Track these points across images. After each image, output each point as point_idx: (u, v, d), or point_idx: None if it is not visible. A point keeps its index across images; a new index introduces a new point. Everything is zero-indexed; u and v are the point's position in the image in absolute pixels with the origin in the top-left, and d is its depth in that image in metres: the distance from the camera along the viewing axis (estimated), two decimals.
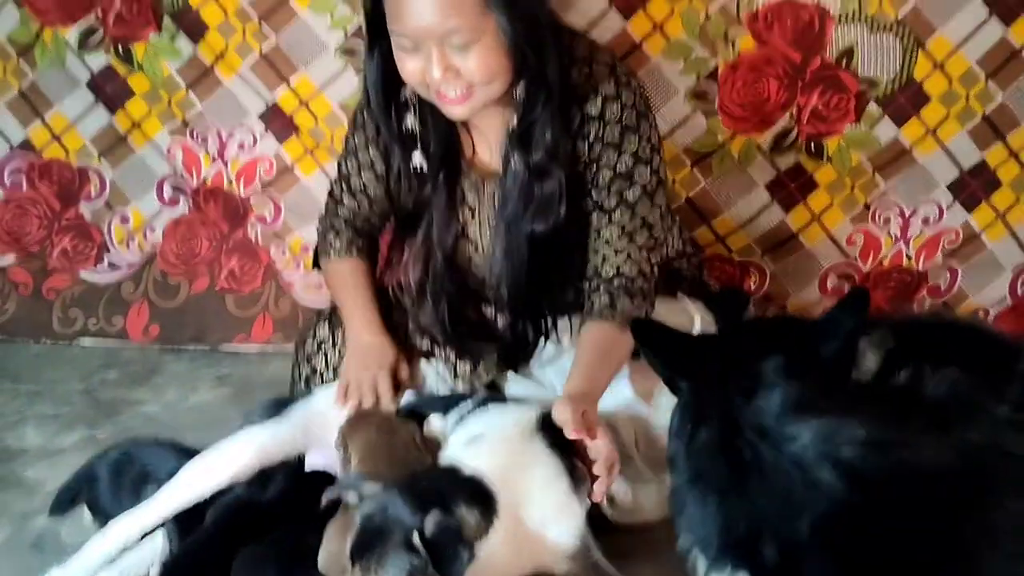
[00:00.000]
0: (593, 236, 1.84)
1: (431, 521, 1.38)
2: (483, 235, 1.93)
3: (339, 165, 2.02)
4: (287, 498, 1.70)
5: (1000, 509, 1.14)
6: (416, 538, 1.38)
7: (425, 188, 1.87)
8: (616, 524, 1.73)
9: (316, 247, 2.09)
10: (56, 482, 1.88)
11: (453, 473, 1.51)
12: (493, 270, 1.92)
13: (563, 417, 1.56)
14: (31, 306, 2.65)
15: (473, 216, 1.92)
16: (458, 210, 1.91)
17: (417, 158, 1.85)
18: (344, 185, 2.00)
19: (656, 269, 1.87)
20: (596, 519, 1.63)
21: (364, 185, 1.97)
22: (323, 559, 1.55)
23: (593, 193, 1.82)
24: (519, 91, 1.75)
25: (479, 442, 1.58)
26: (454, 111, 1.75)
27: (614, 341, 1.77)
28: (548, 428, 1.62)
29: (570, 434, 1.54)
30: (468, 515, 1.44)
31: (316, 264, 2.11)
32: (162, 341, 2.61)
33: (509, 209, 1.83)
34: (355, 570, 1.39)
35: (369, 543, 1.40)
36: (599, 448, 1.54)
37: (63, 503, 1.83)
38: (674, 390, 1.44)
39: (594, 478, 1.56)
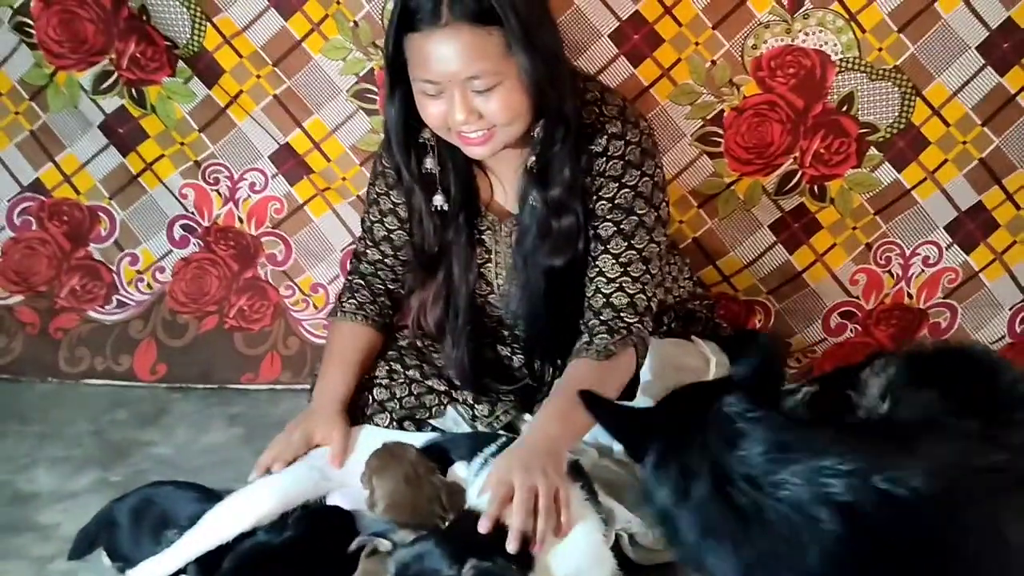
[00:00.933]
0: (589, 268, 1.86)
1: (469, 570, 1.40)
2: (498, 275, 1.96)
3: (362, 221, 2.06)
4: (303, 539, 1.70)
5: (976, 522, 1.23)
6: None
7: (448, 230, 1.90)
8: (639, 564, 1.75)
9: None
10: (71, 525, 1.89)
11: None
12: (510, 307, 1.95)
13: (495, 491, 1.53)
14: (38, 346, 2.64)
15: (489, 257, 1.96)
16: (476, 250, 1.94)
17: (439, 199, 1.88)
18: (367, 238, 2.03)
19: (654, 306, 1.87)
20: (619, 560, 1.65)
21: (387, 231, 1.99)
22: None
23: (592, 221, 1.84)
24: (538, 129, 1.79)
25: None
26: (475, 151, 1.79)
27: (591, 377, 1.71)
28: (578, 472, 1.65)
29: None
30: (505, 569, 1.45)
31: None
32: (169, 380, 2.62)
33: (526, 245, 1.86)
34: None
35: None
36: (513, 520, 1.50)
37: (82, 547, 1.83)
38: (639, 457, 1.46)
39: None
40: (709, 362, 2.03)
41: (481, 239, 1.94)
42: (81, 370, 2.64)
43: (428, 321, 1.98)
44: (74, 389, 2.61)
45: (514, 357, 2.07)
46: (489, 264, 1.96)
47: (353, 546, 1.62)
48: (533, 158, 1.81)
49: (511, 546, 1.45)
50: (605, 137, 1.82)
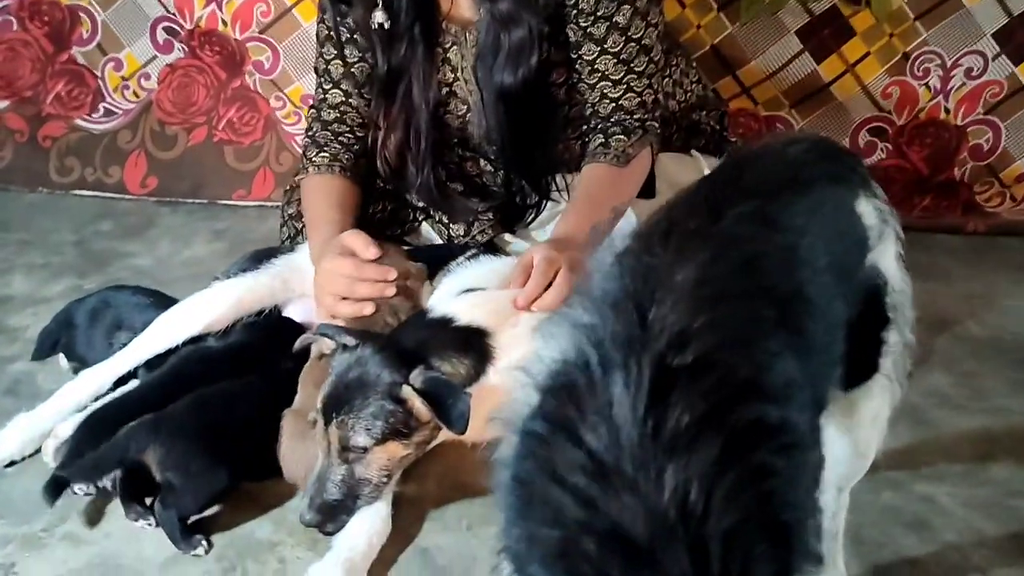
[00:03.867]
0: (587, 72, 1.70)
1: (418, 377, 1.30)
2: (471, 93, 1.78)
3: (315, 69, 1.86)
4: (247, 344, 1.64)
5: None
6: (405, 391, 1.30)
7: (398, 47, 1.72)
8: None
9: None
10: (38, 330, 1.83)
11: (445, 325, 1.40)
12: (479, 123, 1.79)
13: (524, 259, 1.47)
14: (27, 154, 2.57)
15: (456, 75, 1.77)
16: (440, 67, 1.76)
17: (379, 16, 1.69)
18: (325, 80, 1.84)
19: (661, 97, 1.74)
20: None
21: (346, 66, 1.80)
22: (299, 403, 1.50)
23: (580, 21, 1.67)
24: None
25: (474, 293, 1.47)
26: None
27: (609, 182, 1.66)
28: None
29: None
30: (459, 366, 1.36)
31: None
32: (159, 193, 2.54)
33: (485, 61, 1.69)
34: (329, 427, 1.32)
35: (344, 397, 1.32)
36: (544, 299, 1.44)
37: (44, 349, 1.78)
38: None
39: None
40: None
41: (447, 57, 1.76)
42: (71, 180, 2.57)
43: (390, 149, 1.80)
44: (63, 200, 2.54)
45: (497, 175, 1.91)
46: (458, 82, 1.78)
47: (298, 345, 1.53)
48: None
49: (520, 302, 1.42)
50: None
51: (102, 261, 2.24)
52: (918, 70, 2.22)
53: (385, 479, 1.35)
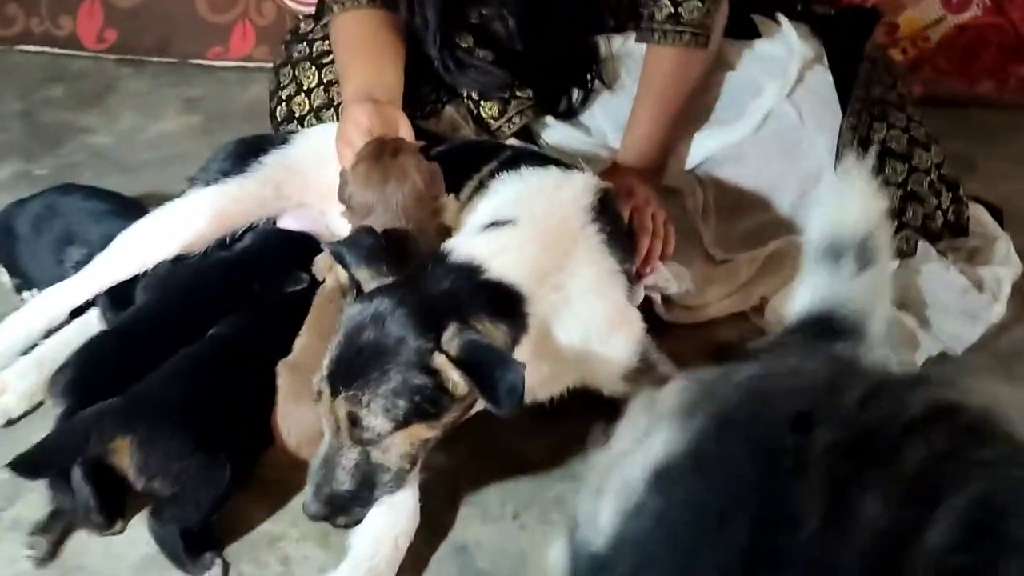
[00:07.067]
0: None
1: (454, 341, 0.99)
2: None
3: None
4: (261, 251, 1.35)
5: None
6: (438, 359, 1.00)
7: None
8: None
9: None
10: None
11: (472, 275, 1.07)
12: None
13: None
14: None
15: None
16: None
17: None
18: None
19: None
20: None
21: None
22: (297, 353, 1.20)
23: None
24: None
25: (507, 228, 1.13)
26: None
27: (683, 71, 1.43)
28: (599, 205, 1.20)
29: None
30: (494, 331, 1.04)
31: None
32: (120, 50, 2.18)
33: None
34: (337, 399, 1.02)
35: (357, 365, 1.01)
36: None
37: None
38: None
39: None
40: (792, 51, 1.50)
41: None
42: (13, 33, 2.19)
43: None
44: (5, 58, 2.16)
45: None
46: None
47: (317, 265, 1.26)
48: None
49: (646, 265, 1.27)
50: None
51: (53, 138, 1.88)
52: None
53: (408, 465, 1.06)
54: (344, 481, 1.04)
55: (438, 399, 1.02)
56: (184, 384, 1.11)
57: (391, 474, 1.05)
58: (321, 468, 1.05)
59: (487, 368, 1.00)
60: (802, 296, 0.85)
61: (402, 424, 1.02)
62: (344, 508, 1.06)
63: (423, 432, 1.05)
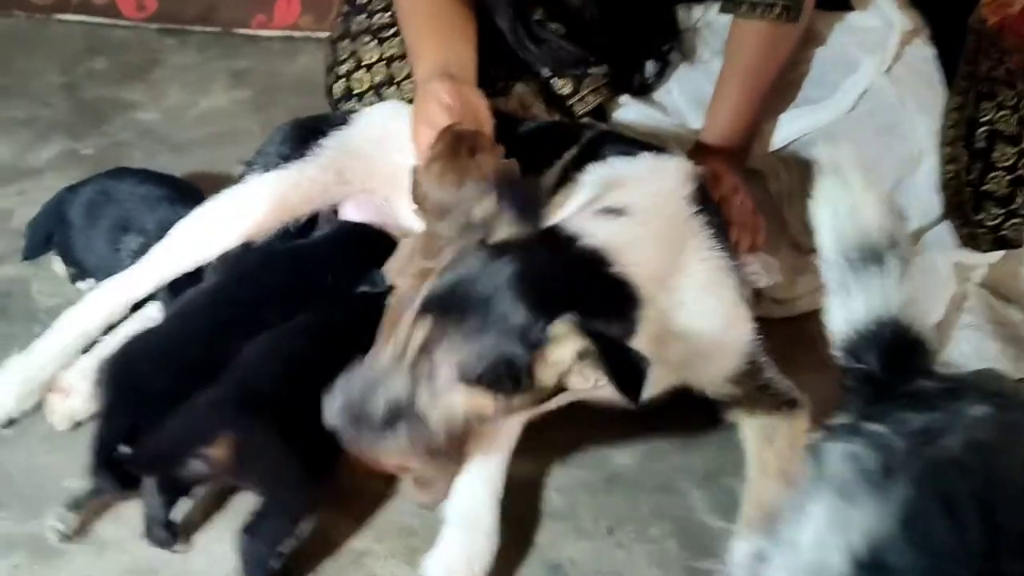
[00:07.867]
0: None
1: (565, 325, 0.89)
2: None
3: None
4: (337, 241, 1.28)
5: None
6: (559, 327, 0.90)
7: None
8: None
9: None
10: (25, 214, 1.45)
11: (594, 265, 0.98)
12: None
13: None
14: None
15: None
16: None
17: None
18: None
19: None
20: None
21: None
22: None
23: None
24: None
25: (625, 220, 1.04)
26: None
27: (772, 48, 1.35)
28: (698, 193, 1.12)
29: None
30: (608, 329, 0.94)
31: None
32: (161, 19, 2.09)
33: None
34: (422, 320, 0.93)
35: (459, 306, 0.92)
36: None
37: (35, 245, 1.41)
38: None
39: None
40: (890, 23, 1.41)
41: None
42: (51, 1, 2.08)
43: None
44: (44, 28, 2.07)
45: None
46: None
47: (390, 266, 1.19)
48: None
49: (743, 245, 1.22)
50: None
51: (99, 115, 1.81)
52: None
53: (442, 434, 0.94)
54: (374, 402, 0.93)
55: (520, 377, 0.92)
56: (282, 377, 1.04)
57: (422, 431, 0.93)
58: (359, 374, 0.94)
59: (615, 354, 0.90)
60: (853, 311, 0.77)
61: (471, 381, 0.92)
62: (358, 426, 0.94)
63: (482, 403, 0.93)
